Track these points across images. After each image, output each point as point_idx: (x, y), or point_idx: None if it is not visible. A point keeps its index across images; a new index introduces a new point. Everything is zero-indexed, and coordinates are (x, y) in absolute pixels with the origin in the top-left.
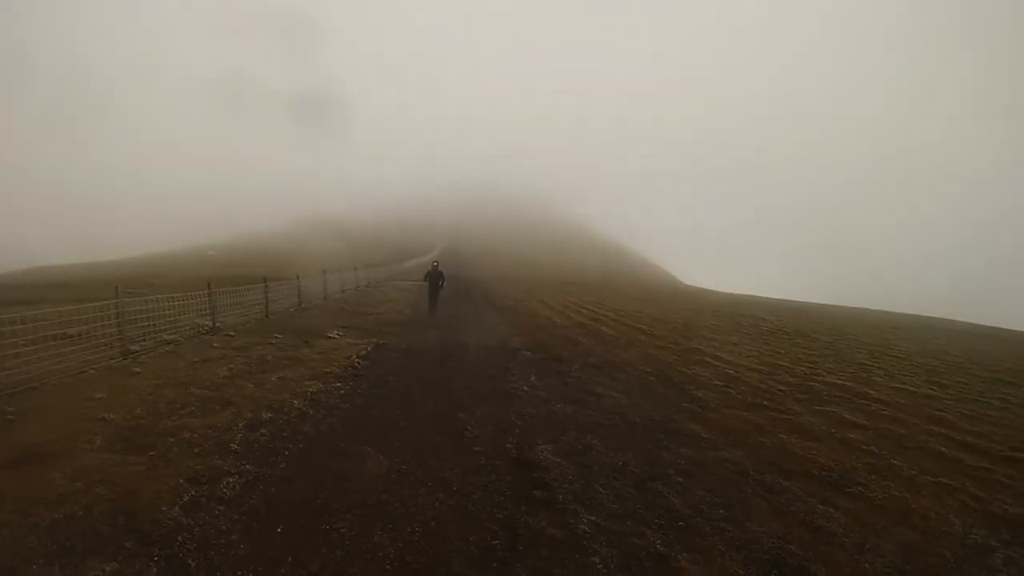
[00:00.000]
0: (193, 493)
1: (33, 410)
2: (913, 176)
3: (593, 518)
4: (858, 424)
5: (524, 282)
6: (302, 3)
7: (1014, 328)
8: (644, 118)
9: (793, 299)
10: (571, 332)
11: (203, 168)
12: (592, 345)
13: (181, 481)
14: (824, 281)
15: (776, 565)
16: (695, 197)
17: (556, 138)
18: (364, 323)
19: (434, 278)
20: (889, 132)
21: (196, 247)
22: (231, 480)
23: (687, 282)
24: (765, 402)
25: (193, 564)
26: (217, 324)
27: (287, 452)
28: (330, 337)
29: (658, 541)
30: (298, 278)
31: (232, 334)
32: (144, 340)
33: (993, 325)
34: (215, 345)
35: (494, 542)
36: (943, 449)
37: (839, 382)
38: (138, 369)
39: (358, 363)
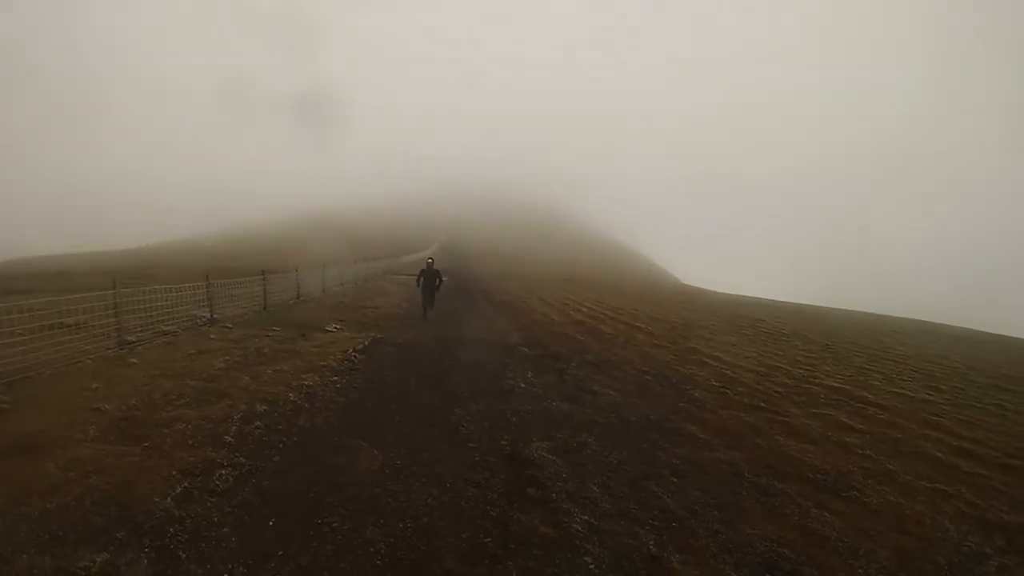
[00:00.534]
0: (186, 485)
1: (28, 399)
2: (922, 181)
3: (586, 517)
4: (855, 428)
5: (523, 279)
6: (302, 3)
7: (1015, 335)
8: (648, 117)
9: (792, 301)
10: (569, 329)
11: (203, 165)
12: (590, 343)
13: (174, 472)
14: (826, 283)
15: (769, 568)
16: (697, 197)
17: (558, 136)
18: (362, 317)
19: (429, 278)
20: (899, 136)
21: (195, 239)
22: (224, 472)
23: (687, 282)
24: (762, 404)
25: (184, 556)
26: (215, 316)
27: (281, 445)
28: (327, 330)
29: (651, 542)
30: (296, 271)
31: (230, 326)
32: (141, 331)
33: (992, 332)
34: (212, 337)
35: (486, 539)
36: (939, 454)
37: (836, 385)
38: (135, 360)
39: (355, 357)
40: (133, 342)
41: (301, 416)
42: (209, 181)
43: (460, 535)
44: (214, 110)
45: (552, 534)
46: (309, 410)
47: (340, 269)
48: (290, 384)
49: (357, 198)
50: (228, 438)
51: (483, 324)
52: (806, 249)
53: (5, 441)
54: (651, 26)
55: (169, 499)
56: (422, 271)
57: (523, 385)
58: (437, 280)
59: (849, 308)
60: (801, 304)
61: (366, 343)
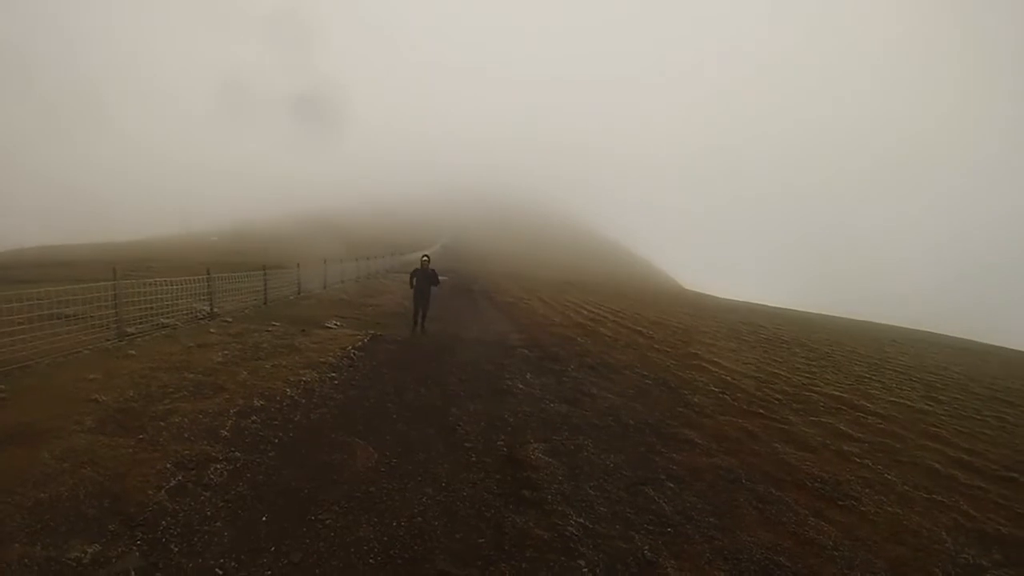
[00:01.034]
0: (180, 478)
1: (25, 389)
2: (912, 174)
3: (581, 520)
4: (853, 436)
5: (525, 280)
6: (302, 3)
7: (1007, 345)
8: (646, 117)
9: (793, 308)
10: (569, 331)
11: (205, 162)
12: (589, 345)
13: (168, 465)
14: (823, 286)
15: None
16: (696, 199)
17: (562, 138)
18: (362, 314)
19: (423, 280)
20: (889, 130)
21: (197, 233)
22: (219, 467)
23: (688, 287)
24: (761, 410)
25: (176, 549)
26: (215, 310)
27: (277, 440)
28: (327, 327)
29: (646, 547)
30: (298, 267)
31: (229, 320)
32: (141, 323)
33: (994, 344)
34: (212, 331)
35: (480, 540)
36: (938, 465)
37: (836, 393)
38: (133, 351)
39: (354, 354)
40: (132, 334)
41: (298, 412)
42: (211, 178)
43: (454, 535)
44: (215, 109)
45: (546, 536)
46: (306, 406)
47: (342, 266)
48: (288, 380)
49: (359, 197)
50: (224, 432)
51: (483, 324)
52: (807, 256)
53: (0, 430)
54: (655, 30)
55: (163, 492)
56: (416, 271)
57: (521, 386)
58: (433, 283)
59: (847, 316)
60: (802, 311)
61: (365, 340)
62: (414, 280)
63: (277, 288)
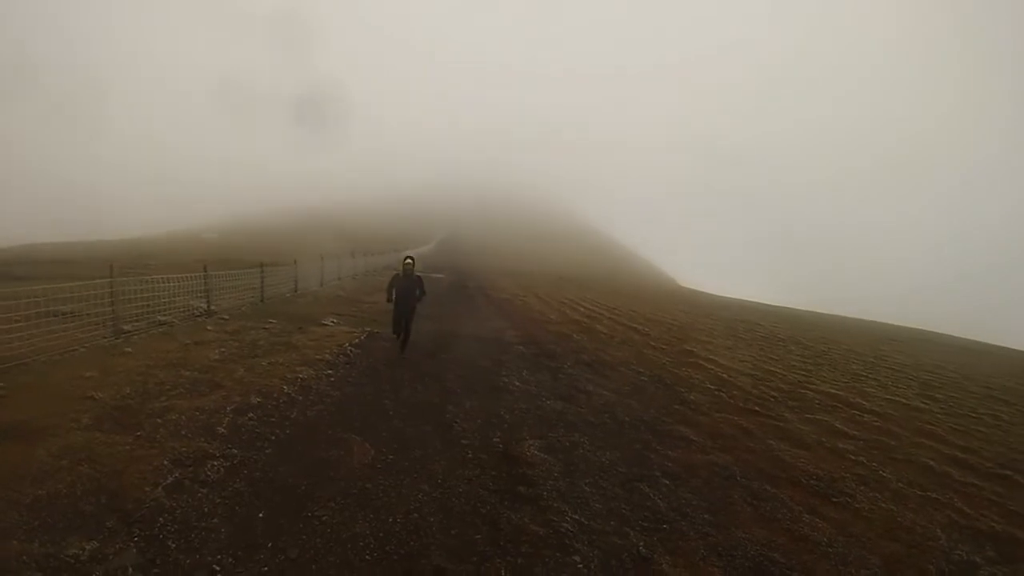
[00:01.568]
0: (177, 475)
1: (22, 386)
2: (911, 174)
3: (577, 516)
4: (849, 434)
5: (521, 276)
6: (303, 2)
7: (1003, 344)
8: (643, 115)
9: (790, 306)
10: (565, 328)
11: (204, 160)
12: (585, 342)
13: (165, 462)
14: (820, 284)
15: (759, 573)
16: (694, 197)
17: (559, 136)
18: (359, 311)
19: (404, 290)
20: (888, 130)
21: (193, 230)
22: (216, 463)
23: (684, 284)
24: (756, 408)
25: (173, 546)
26: (212, 307)
27: (274, 437)
28: (324, 324)
29: (641, 543)
30: (295, 263)
31: (226, 317)
32: (138, 320)
33: (990, 343)
34: (209, 328)
35: (476, 536)
36: (932, 463)
37: (832, 391)
38: (130, 349)
39: (350, 351)
40: (129, 331)
41: (295, 409)
42: (210, 176)
43: (450, 532)
44: (215, 107)
45: (542, 533)
46: (303, 403)
47: (339, 263)
48: (285, 377)
49: (357, 194)
50: (221, 429)
51: (479, 321)
52: (804, 254)
53: None
54: (655, 29)
55: (160, 489)
56: (396, 276)
57: (517, 383)
58: (418, 292)
59: (843, 315)
60: (798, 309)
61: (362, 337)
62: (393, 291)
63: (274, 285)
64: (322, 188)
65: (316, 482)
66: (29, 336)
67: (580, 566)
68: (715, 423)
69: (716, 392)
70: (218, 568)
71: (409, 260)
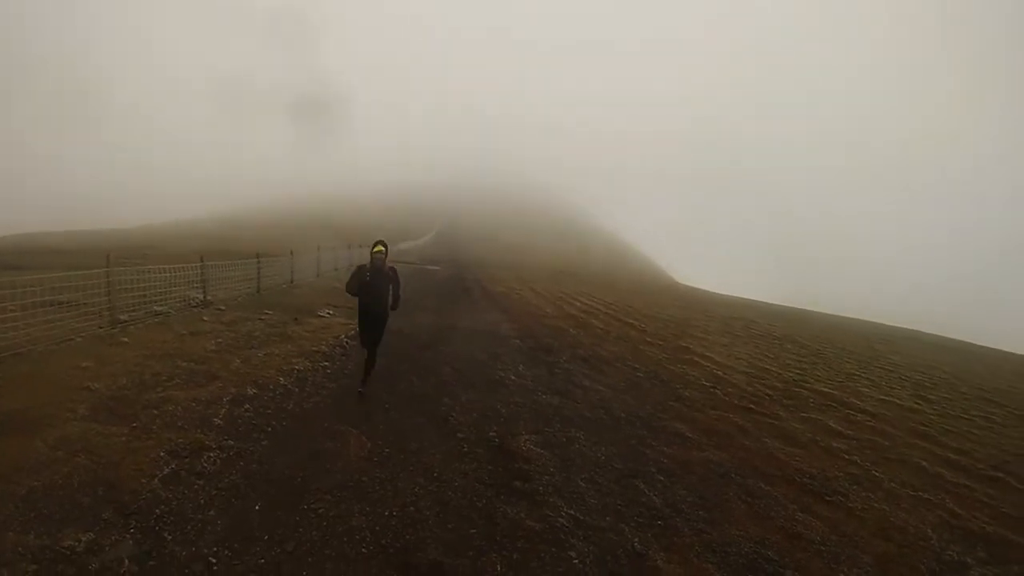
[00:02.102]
0: (173, 466)
1: (18, 376)
2: (907, 173)
3: (572, 512)
4: (842, 433)
5: (518, 269)
6: (302, 1)
7: (995, 346)
8: (642, 113)
9: (785, 304)
10: (562, 323)
11: (205, 154)
12: (582, 337)
13: (162, 454)
14: (814, 283)
15: (753, 570)
16: (692, 195)
17: (558, 130)
18: (355, 302)
19: (373, 289)
20: (882, 129)
21: (192, 220)
22: (212, 455)
23: (681, 281)
24: (751, 405)
25: (169, 537)
26: (208, 298)
27: (270, 429)
28: (320, 315)
29: (636, 539)
30: (292, 254)
31: (222, 308)
32: (134, 310)
33: (983, 344)
34: (205, 319)
35: (471, 530)
36: (925, 463)
37: (826, 390)
38: (126, 339)
39: (347, 342)
40: (125, 321)
41: (291, 400)
42: (212, 169)
43: (446, 525)
44: (215, 101)
45: (537, 527)
46: (299, 395)
47: (336, 254)
48: (281, 368)
49: (355, 186)
50: (217, 420)
51: (476, 314)
52: (798, 253)
53: None
54: (643, 18)
55: (156, 480)
56: (360, 269)
57: (513, 377)
58: (391, 288)
59: (838, 314)
60: (794, 308)
61: (358, 329)
62: (355, 284)
63: (270, 276)
64: (320, 181)
65: (312, 474)
66: (25, 325)
67: (576, 561)
68: (710, 420)
69: (711, 389)
70: (214, 560)
71: (380, 248)
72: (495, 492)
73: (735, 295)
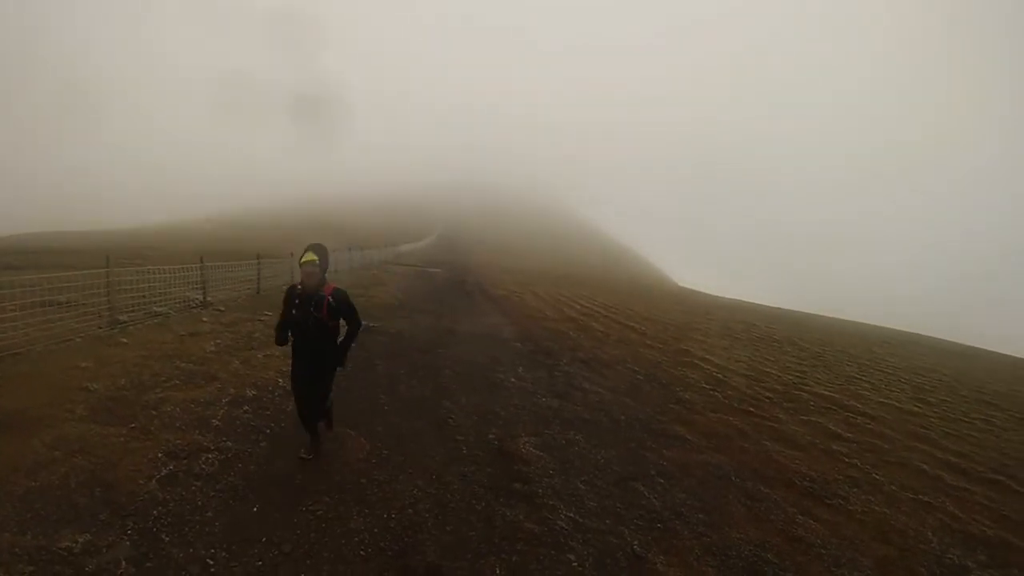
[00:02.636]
0: (171, 467)
1: (17, 376)
2: (907, 177)
3: (571, 514)
4: (842, 436)
5: (518, 272)
6: (302, 2)
7: (993, 349)
8: (643, 116)
9: (786, 308)
10: (561, 326)
11: (205, 155)
12: (582, 340)
13: (160, 455)
14: (813, 286)
15: (753, 573)
16: (693, 197)
17: (558, 134)
18: (356, 305)
19: (304, 324)
20: (882, 131)
21: (191, 221)
22: (210, 456)
23: (681, 284)
24: (751, 408)
25: (167, 539)
26: (208, 299)
27: (269, 431)
28: None
29: (635, 542)
30: (292, 255)
31: (222, 309)
32: (133, 311)
33: (982, 348)
34: (204, 319)
35: (470, 533)
36: (925, 466)
37: (826, 393)
38: (125, 340)
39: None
40: (124, 322)
41: (290, 402)
42: (211, 170)
43: (444, 528)
44: (216, 101)
45: (536, 530)
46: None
47: (335, 256)
48: (280, 369)
49: (355, 188)
50: (216, 422)
51: (476, 317)
52: (798, 255)
53: None
54: (646, 19)
55: (154, 481)
56: (291, 292)
57: (513, 380)
58: (335, 333)
59: (837, 317)
60: (794, 311)
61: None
62: (286, 331)
63: (270, 277)
64: (320, 182)
65: (311, 476)
66: (24, 326)
67: (575, 564)
68: (710, 423)
69: (711, 392)
70: (212, 562)
71: (311, 257)
72: (494, 495)
73: (735, 298)
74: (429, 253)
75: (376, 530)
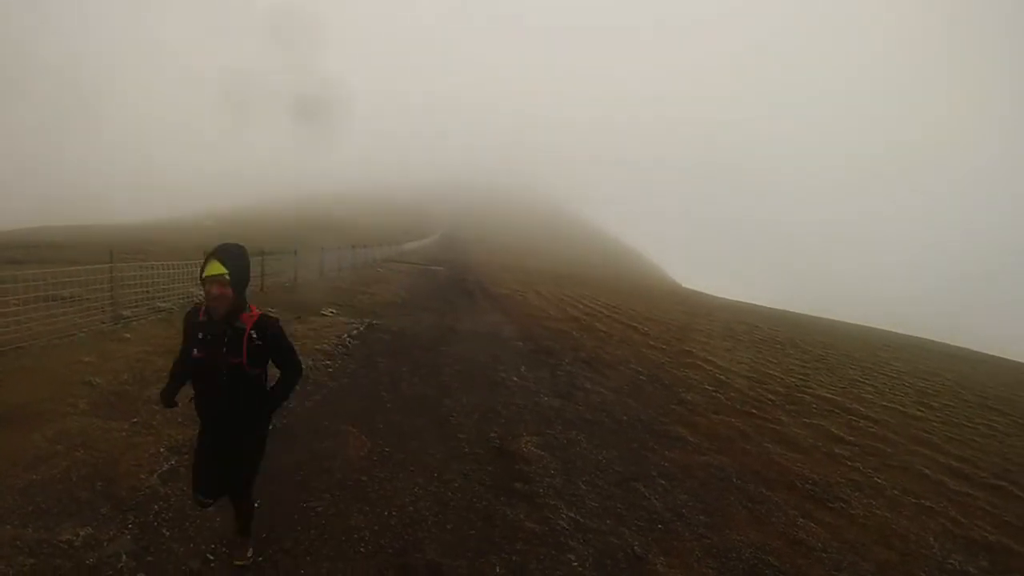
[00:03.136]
0: (173, 462)
1: (19, 370)
2: (908, 178)
3: (572, 514)
4: (844, 439)
5: (521, 272)
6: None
7: (996, 353)
8: (646, 115)
9: (789, 309)
10: (564, 325)
11: (206, 153)
12: (584, 340)
13: (162, 449)
14: (816, 288)
15: None
16: (696, 197)
17: (563, 134)
18: (358, 302)
19: (211, 367)
20: (884, 132)
21: (193, 218)
22: None
23: (684, 285)
24: (753, 410)
25: (167, 533)
26: None
27: (270, 427)
28: (323, 314)
29: (636, 542)
30: (295, 253)
31: None
32: (137, 306)
33: (979, 350)
34: None
35: (470, 531)
36: (927, 471)
37: (829, 396)
38: (128, 335)
39: (349, 342)
40: (128, 317)
41: (291, 398)
42: (213, 166)
43: (445, 526)
44: (220, 99)
45: (537, 529)
46: (299, 393)
47: (339, 254)
48: None
49: (357, 186)
50: None
51: (478, 316)
52: (800, 257)
53: None
54: (651, 20)
55: (155, 476)
56: (190, 322)
57: (515, 379)
58: (276, 364)
59: (841, 320)
60: (797, 313)
61: (361, 329)
62: (183, 384)
63: (273, 274)
64: (322, 180)
65: (311, 473)
66: (28, 320)
67: (575, 564)
68: (712, 424)
69: (714, 393)
70: (212, 557)
71: (217, 268)
72: (495, 493)
73: (738, 299)
74: (432, 251)
75: (376, 528)
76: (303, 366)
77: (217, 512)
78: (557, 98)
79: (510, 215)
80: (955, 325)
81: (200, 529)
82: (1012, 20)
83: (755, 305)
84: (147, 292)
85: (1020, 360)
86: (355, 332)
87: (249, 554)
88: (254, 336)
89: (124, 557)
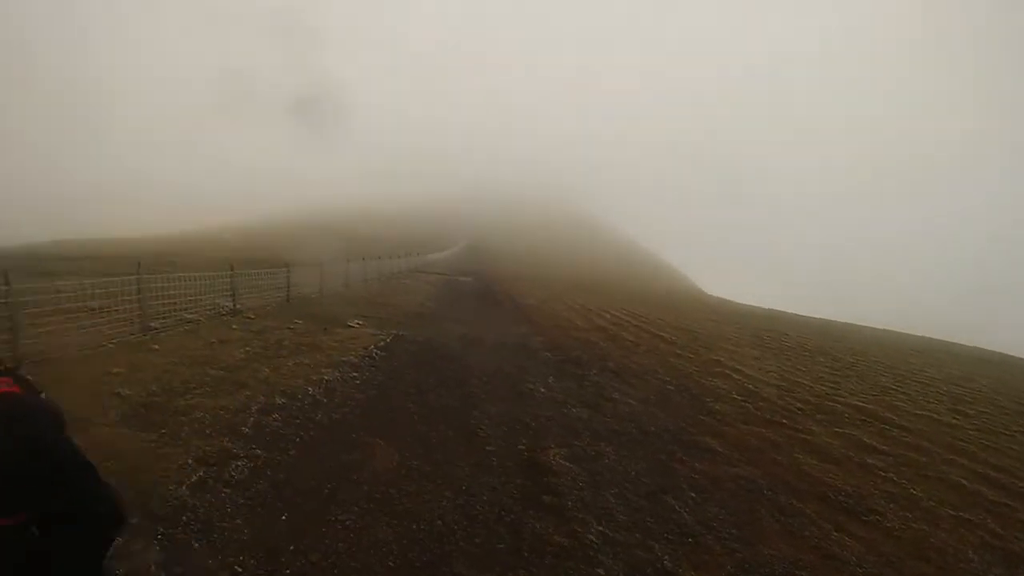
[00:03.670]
0: (201, 474)
1: (51, 381)
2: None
3: (601, 528)
4: (878, 449)
5: (546, 282)
6: (306, 2)
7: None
8: (658, 123)
9: (817, 316)
10: (590, 335)
11: (216, 162)
12: (611, 350)
13: (190, 461)
14: (845, 294)
15: None
16: (725, 207)
17: (588, 143)
18: (384, 313)
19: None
20: (916, 137)
21: (211, 230)
22: (239, 463)
23: (711, 293)
24: (783, 420)
25: (196, 545)
26: (238, 306)
27: (298, 439)
28: (349, 326)
29: (666, 556)
30: (321, 265)
31: (252, 317)
32: (164, 318)
33: (1014, 355)
34: (234, 327)
35: (499, 545)
36: (964, 481)
37: (860, 404)
38: (156, 346)
39: (376, 353)
40: (156, 328)
41: (319, 410)
42: (223, 178)
43: (473, 540)
44: (225, 109)
45: (566, 543)
46: (327, 405)
47: (364, 265)
48: (309, 378)
49: (382, 195)
50: (245, 429)
51: (505, 326)
52: (829, 264)
53: None
54: (659, 21)
55: (184, 487)
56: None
57: (543, 390)
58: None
59: (870, 326)
60: (826, 320)
61: (387, 340)
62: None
63: (299, 286)
64: (344, 192)
65: (339, 485)
66: (59, 331)
67: None
68: (741, 435)
69: (742, 403)
70: (240, 569)
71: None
72: (523, 506)
73: (766, 307)
74: (456, 262)
75: (404, 541)
76: (125, 516)
77: (244, 524)
78: (595, 111)
79: (535, 226)
80: (983, 336)
81: (228, 541)
82: None
83: (783, 312)
84: (175, 304)
85: None
86: (382, 343)
87: None
88: (49, 416)
89: (153, 567)
